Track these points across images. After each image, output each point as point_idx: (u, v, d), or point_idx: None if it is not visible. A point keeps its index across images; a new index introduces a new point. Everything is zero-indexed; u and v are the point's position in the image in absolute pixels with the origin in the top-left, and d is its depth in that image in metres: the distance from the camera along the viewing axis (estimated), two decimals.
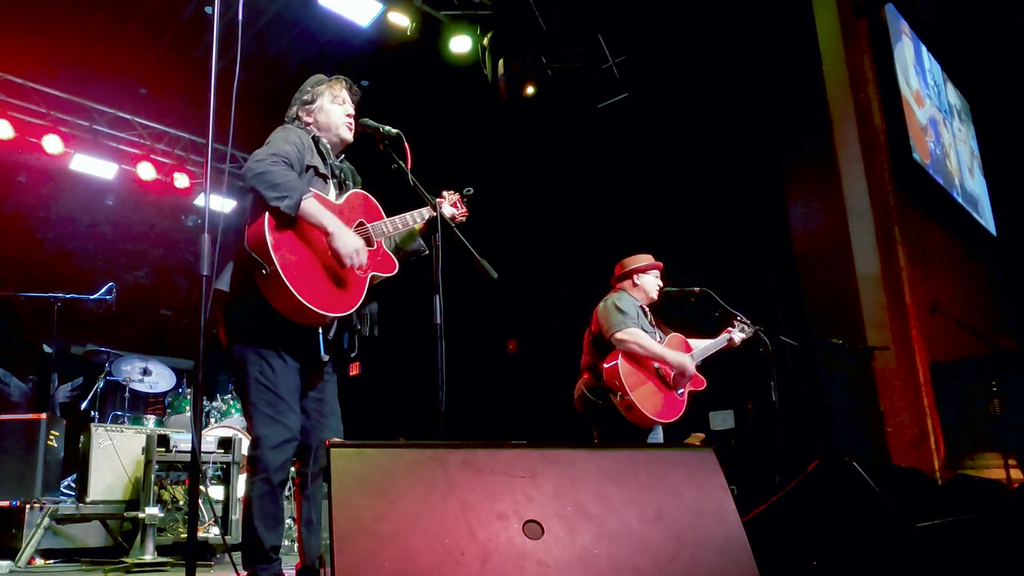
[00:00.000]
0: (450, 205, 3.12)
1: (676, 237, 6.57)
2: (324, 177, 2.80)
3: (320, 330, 2.62)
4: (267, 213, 2.52)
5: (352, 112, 2.92)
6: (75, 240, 8.51)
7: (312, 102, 2.89)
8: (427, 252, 2.89)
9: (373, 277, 2.75)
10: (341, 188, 2.88)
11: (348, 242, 2.60)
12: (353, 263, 2.61)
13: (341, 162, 2.96)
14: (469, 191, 3.22)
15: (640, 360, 3.94)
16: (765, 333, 4.35)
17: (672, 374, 4.01)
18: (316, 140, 2.84)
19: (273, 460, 2.53)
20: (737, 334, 4.29)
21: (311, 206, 2.57)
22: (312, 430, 2.70)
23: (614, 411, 3.89)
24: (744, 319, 4.35)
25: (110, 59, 7.46)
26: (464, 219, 3.18)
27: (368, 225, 2.79)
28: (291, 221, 2.56)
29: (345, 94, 2.92)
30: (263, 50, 7.36)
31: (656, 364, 3.98)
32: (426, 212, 2.92)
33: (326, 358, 2.64)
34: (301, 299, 2.47)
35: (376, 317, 2.88)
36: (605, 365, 3.94)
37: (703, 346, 4.26)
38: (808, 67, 6.44)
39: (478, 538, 1.80)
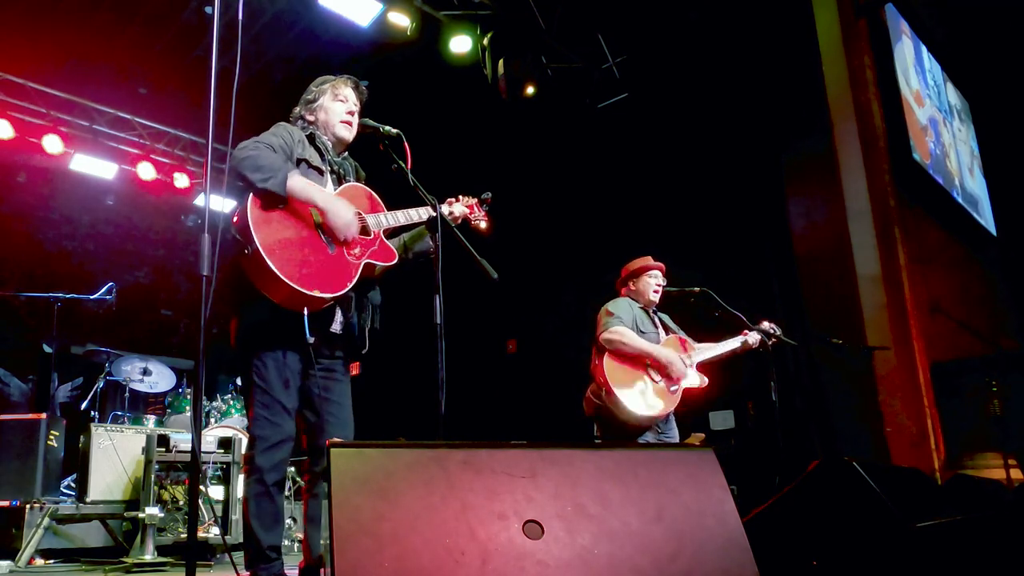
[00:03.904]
0: (464, 207, 3.09)
1: (676, 237, 6.57)
2: (320, 171, 2.77)
3: (305, 313, 2.51)
4: (251, 195, 2.50)
5: (353, 110, 2.89)
6: (75, 240, 8.50)
7: (314, 100, 2.88)
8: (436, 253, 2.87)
9: (368, 265, 2.71)
10: (340, 183, 2.85)
11: (340, 212, 2.61)
12: (350, 233, 2.62)
13: (343, 159, 2.93)
14: (487, 196, 3.16)
15: (630, 358, 3.97)
16: (768, 336, 4.34)
17: (662, 369, 4.02)
18: (312, 136, 2.82)
19: (267, 461, 2.53)
20: (754, 336, 4.29)
21: (298, 183, 2.56)
22: (323, 429, 2.66)
23: (614, 412, 3.91)
24: (774, 326, 4.34)
25: (110, 59, 7.45)
26: (485, 225, 3.14)
27: (365, 216, 2.77)
28: (277, 203, 2.54)
29: (348, 92, 2.89)
30: (263, 50, 7.35)
31: (647, 361, 4.00)
32: (426, 212, 2.90)
33: (311, 339, 2.53)
34: (282, 276, 2.42)
35: (379, 308, 2.85)
36: (596, 364, 3.99)
37: (712, 346, 4.27)
38: (808, 67, 6.43)
39: (478, 538, 1.79)
